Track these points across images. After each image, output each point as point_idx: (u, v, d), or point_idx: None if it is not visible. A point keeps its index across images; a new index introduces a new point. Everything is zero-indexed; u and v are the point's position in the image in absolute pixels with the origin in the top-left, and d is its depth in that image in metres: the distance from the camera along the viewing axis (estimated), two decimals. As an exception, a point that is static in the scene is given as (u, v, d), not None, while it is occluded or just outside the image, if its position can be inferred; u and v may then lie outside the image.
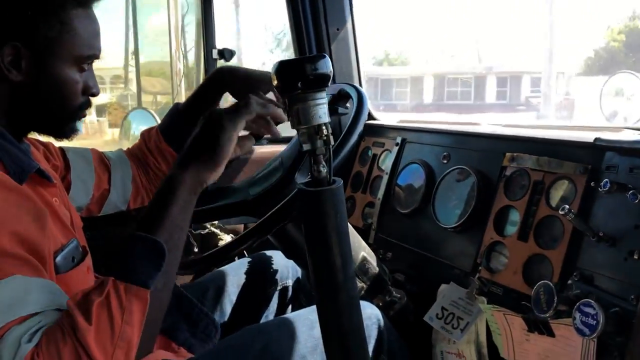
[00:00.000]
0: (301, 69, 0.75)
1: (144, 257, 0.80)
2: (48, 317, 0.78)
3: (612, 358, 0.99)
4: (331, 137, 0.78)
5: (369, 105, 1.93)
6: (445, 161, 1.51)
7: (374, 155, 1.79)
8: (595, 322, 0.96)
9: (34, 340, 0.75)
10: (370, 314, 1.28)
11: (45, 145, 1.25)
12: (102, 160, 1.38)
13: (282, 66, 0.78)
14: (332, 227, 0.76)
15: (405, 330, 1.41)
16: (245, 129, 0.95)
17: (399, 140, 1.69)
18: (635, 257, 0.99)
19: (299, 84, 0.75)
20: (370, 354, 1.23)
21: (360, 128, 1.09)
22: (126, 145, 1.51)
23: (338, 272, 0.76)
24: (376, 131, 1.84)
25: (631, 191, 0.99)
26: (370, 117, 1.93)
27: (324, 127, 0.77)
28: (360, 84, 1.93)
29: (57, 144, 1.23)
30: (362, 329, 0.82)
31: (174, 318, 0.88)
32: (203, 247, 1.77)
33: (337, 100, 1.24)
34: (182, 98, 3.52)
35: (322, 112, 0.77)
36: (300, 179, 1.25)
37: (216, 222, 1.76)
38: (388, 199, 1.67)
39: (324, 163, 0.77)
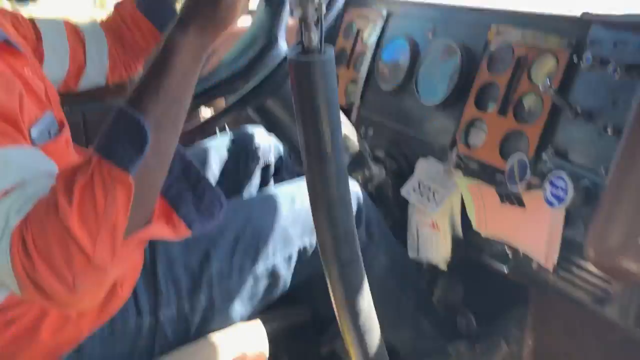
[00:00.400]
0: None
1: (126, 139, 0.74)
2: (34, 186, 0.77)
3: (577, 227, 1.05)
4: (323, 4, 0.74)
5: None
6: (430, 35, 1.47)
7: (358, 30, 1.74)
8: (564, 194, 1.00)
9: (22, 212, 0.74)
10: (351, 187, 1.31)
11: (14, 15, 1.20)
12: (75, 32, 1.33)
13: None
14: (323, 98, 0.75)
15: (384, 204, 1.46)
16: None
17: (384, 13, 1.64)
18: (609, 132, 1.01)
19: None
20: (350, 224, 1.28)
21: None
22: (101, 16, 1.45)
23: (327, 143, 0.76)
24: (360, 3, 1.77)
25: (612, 66, 0.98)
26: (355, -12, 1.84)
27: None
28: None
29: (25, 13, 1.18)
30: (348, 198, 0.84)
31: (180, 186, 0.84)
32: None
33: None
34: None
35: None
36: (282, 40, 1.21)
37: (197, 98, 1.74)
38: (371, 76, 1.64)
39: (315, 30, 0.73)
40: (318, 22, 0.74)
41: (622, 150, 0.93)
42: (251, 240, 1.17)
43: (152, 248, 1.11)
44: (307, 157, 0.79)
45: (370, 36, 1.69)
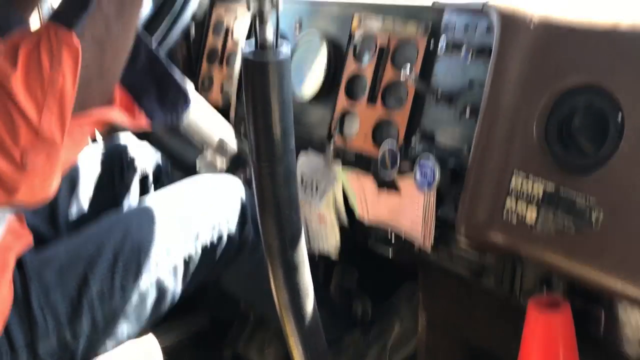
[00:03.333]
0: None
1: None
2: None
3: (448, 206, 1.09)
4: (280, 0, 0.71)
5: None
6: (297, 29, 1.47)
7: (227, 27, 1.70)
8: (432, 177, 1.04)
9: None
10: (232, 186, 1.29)
11: None
12: None
13: None
14: (277, 99, 0.73)
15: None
16: None
17: (251, 8, 1.61)
18: (467, 113, 1.06)
19: None
20: (236, 225, 1.26)
21: None
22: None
23: (278, 146, 0.75)
24: None
25: (464, 50, 1.03)
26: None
27: None
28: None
29: None
30: (297, 200, 0.83)
31: (145, 79, 0.82)
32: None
33: None
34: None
35: None
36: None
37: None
38: (245, 73, 1.62)
39: (271, 25, 0.71)
40: (274, 17, 0.72)
41: (479, 130, 0.98)
42: (131, 255, 1.12)
43: (23, 277, 1.03)
44: (257, 159, 0.77)
45: (239, 33, 1.66)
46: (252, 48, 0.73)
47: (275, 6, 0.71)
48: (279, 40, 0.74)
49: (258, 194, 0.81)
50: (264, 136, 0.75)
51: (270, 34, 0.72)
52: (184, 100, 0.85)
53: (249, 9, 0.71)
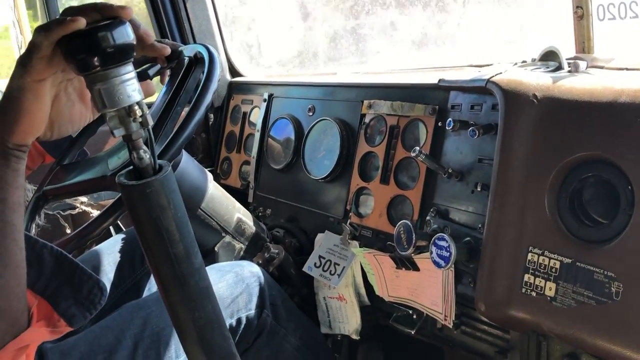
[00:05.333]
0: (95, 41, 0.63)
1: None
2: None
3: (467, 283, 1.08)
4: (148, 117, 0.67)
5: (235, 61, 1.91)
6: (310, 114, 1.52)
7: (244, 113, 1.77)
8: (448, 253, 1.03)
9: None
10: (250, 272, 1.30)
11: None
12: None
13: (69, 41, 0.64)
14: (168, 219, 0.66)
15: (289, 282, 1.45)
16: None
17: (266, 96, 1.68)
18: (479, 189, 1.07)
19: (96, 61, 0.63)
20: (254, 310, 1.25)
21: (210, 95, 1.04)
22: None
23: (182, 264, 0.68)
24: (243, 88, 1.81)
25: (471, 128, 1.05)
26: (237, 74, 1.89)
27: (136, 107, 0.65)
28: (223, 41, 1.88)
29: None
30: (220, 319, 0.76)
31: (56, 282, 0.79)
32: (75, 228, 1.69)
33: (195, 65, 1.18)
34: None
35: (131, 90, 0.65)
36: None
37: (86, 199, 1.68)
38: (262, 156, 1.67)
39: (144, 148, 0.66)
40: (146, 137, 0.67)
41: (491, 206, 0.98)
42: (151, 343, 1.12)
43: None
44: (162, 285, 0.70)
45: (256, 118, 1.73)
46: (128, 174, 0.68)
47: (145, 126, 0.66)
48: (157, 161, 0.68)
49: (173, 319, 0.72)
50: (163, 262, 0.68)
51: (145, 156, 0.66)
52: (99, 290, 0.82)
53: (113, 135, 0.67)
